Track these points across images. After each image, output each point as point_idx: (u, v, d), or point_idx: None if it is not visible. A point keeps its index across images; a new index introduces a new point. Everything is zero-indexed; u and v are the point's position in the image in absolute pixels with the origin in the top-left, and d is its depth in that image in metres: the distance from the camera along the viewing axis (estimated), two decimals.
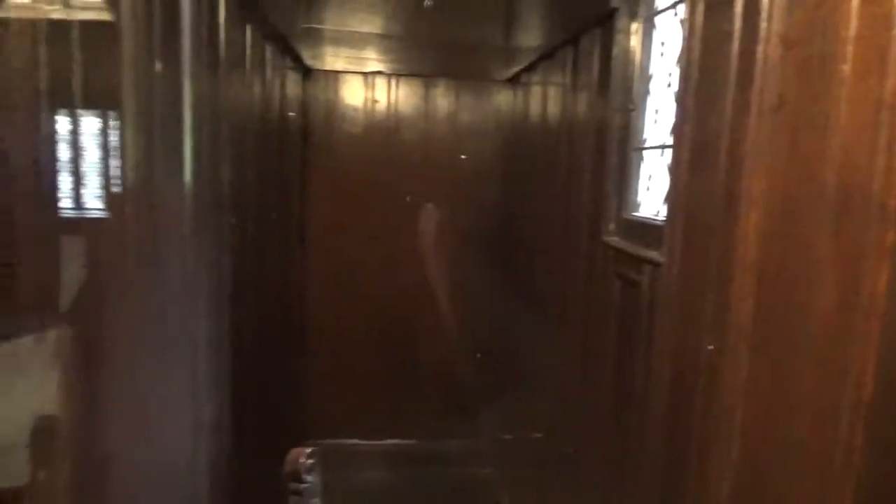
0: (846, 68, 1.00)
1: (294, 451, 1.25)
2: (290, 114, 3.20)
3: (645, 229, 1.92)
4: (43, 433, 1.46)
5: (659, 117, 1.94)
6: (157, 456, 1.43)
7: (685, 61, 1.53)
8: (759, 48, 1.21)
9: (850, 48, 0.99)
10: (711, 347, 1.40)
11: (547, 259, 2.88)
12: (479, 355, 3.80)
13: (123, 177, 1.52)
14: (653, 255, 1.74)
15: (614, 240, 2.09)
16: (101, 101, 1.49)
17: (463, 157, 3.74)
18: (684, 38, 1.53)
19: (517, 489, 2.19)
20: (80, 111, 1.41)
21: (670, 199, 1.64)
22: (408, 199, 3.69)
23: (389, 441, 3.83)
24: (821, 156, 1.04)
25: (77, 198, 1.51)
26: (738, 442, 1.31)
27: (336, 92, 3.66)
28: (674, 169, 1.59)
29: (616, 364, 2.03)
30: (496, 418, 3.14)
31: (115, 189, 1.53)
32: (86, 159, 1.47)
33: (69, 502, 1.27)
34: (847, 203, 0.97)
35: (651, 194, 2.00)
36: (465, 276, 3.77)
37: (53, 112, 1.35)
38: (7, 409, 2.53)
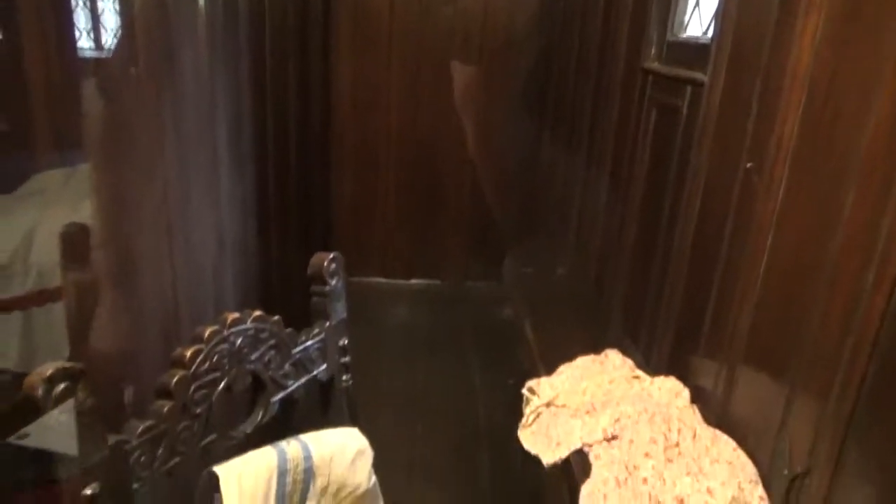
0: None
1: (318, 255, 1.25)
2: None
3: (689, 50, 1.79)
4: (75, 240, 1.49)
5: None
6: (185, 263, 1.46)
7: None
8: None
9: None
10: (750, 165, 1.34)
11: (581, 92, 2.76)
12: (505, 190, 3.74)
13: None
14: (696, 75, 1.62)
15: (654, 65, 1.96)
16: None
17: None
18: None
19: (540, 325, 2.23)
20: None
21: (720, 10, 1.50)
22: None
23: (414, 281, 3.92)
24: None
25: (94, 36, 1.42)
26: (766, 265, 1.28)
27: None
28: None
29: (646, 195, 1.98)
30: (521, 256, 3.16)
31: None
32: None
33: (104, 297, 1.32)
34: None
35: (699, 12, 1.84)
36: (497, 114, 3.63)
37: None
38: (45, 233, 2.59)
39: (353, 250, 3.77)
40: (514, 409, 1.57)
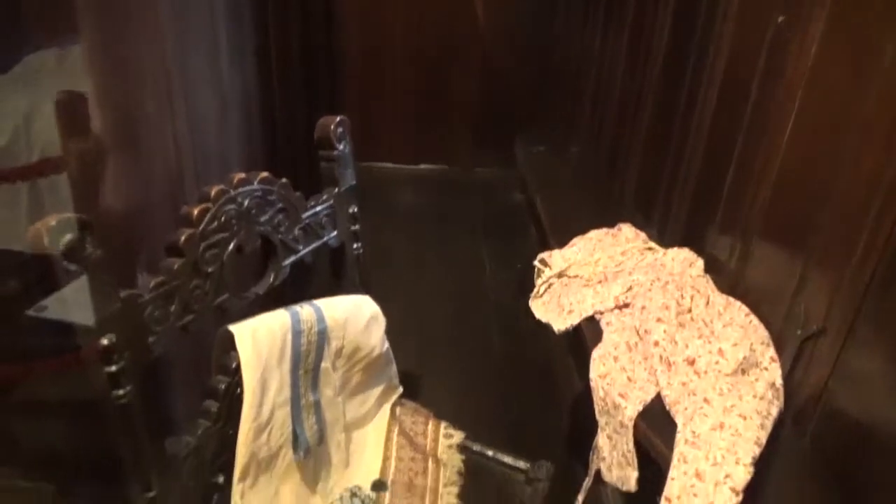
0: None
1: (325, 119, 1.20)
2: None
3: None
4: (71, 107, 1.44)
5: None
6: (188, 125, 1.41)
7: None
8: None
9: None
10: (782, 19, 1.25)
11: None
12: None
13: None
14: None
15: None
16: None
17: None
18: None
19: (552, 201, 2.20)
20: None
21: None
22: None
23: (422, 166, 3.86)
24: None
25: None
26: (792, 130, 1.22)
27: None
28: None
29: (666, 65, 1.88)
30: (533, 136, 3.08)
31: None
32: None
33: (106, 162, 1.28)
34: None
35: None
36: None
37: None
38: (44, 112, 2.52)
39: (359, 134, 3.67)
40: (523, 290, 1.57)
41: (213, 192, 0.94)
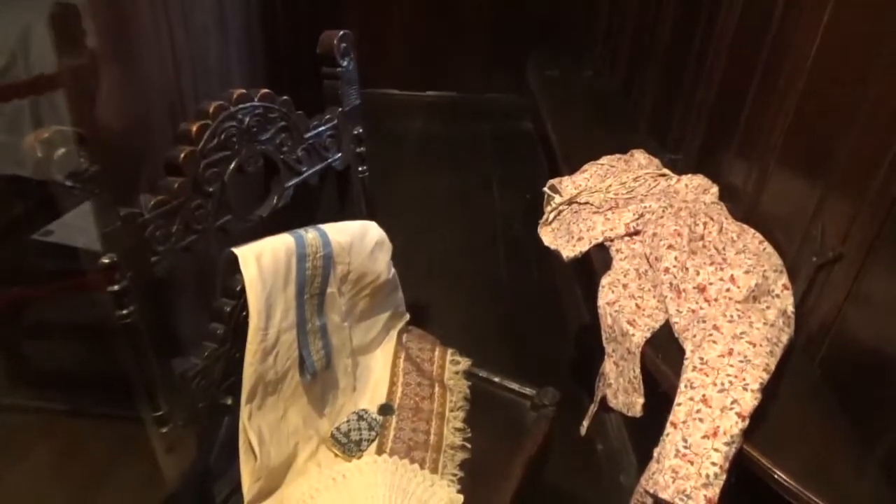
0: None
1: (327, 33, 1.15)
2: None
3: None
4: (65, 20, 1.39)
5: None
6: (185, 38, 1.36)
7: None
8: None
9: None
10: None
11: None
12: None
13: None
14: None
15: None
16: None
17: None
18: None
19: (563, 126, 2.13)
20: None
21: None
22: None
23: (430, 93, 3.76)
24: None
25: None
26: (814, 58, 1.16)
27: None
28: None
29: None
30: (545, 59, 2.97)
31: None
32: None
33: (101, 81, 1.24)
34: None
35: None
36: None
37: None
38: (41, 33, 2.44)
39: (365, 59, 3.56)
40: (531, 220, 1.54)
41: (211, 109, 0.90)
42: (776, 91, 1.27)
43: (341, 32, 1.14)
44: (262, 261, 0.94)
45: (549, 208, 1.48)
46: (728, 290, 1.07)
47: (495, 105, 3.71)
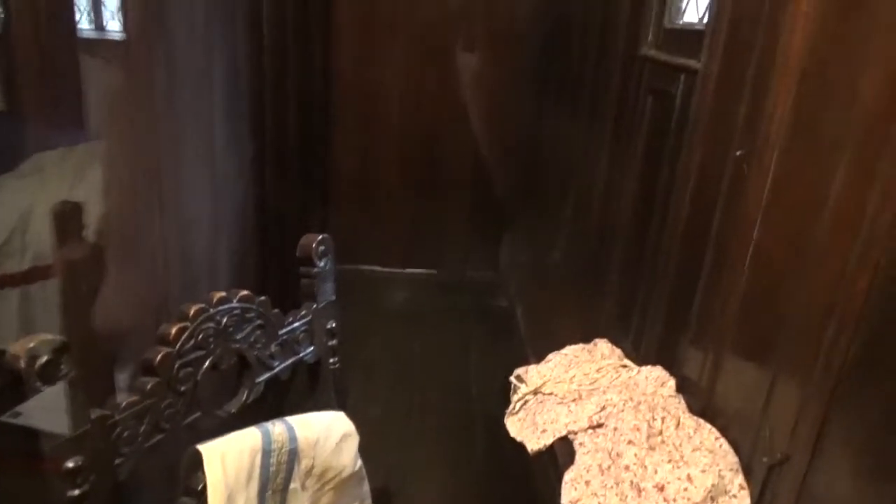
0: None
1: (307, 237, 1.26)
2: None
3: (685, 37, 1.79)
4: (67, 218, 1.50)
5: None
6: (177, 239, 1.46)
7: None
8: None
9: None
10: (740, 153, 1.34)
11: (582, 75, 2.76)
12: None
13: None
14: (690, 62, 1.62)
15: (651, 52, 1.95)
16: None
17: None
18: None
19: (532, 312, 2.24)
20: None
21: None
22: None
23: (411, 270, 3.92)
24: None
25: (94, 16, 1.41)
26: (753, 249, 1.28)
27: None
28: None
29: (641, 180, 1.98)
30: (518, 242, 3.15)
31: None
32: None
33: (97, 273, 1.32)
34: None
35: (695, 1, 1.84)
36: (500, 96, 3.60)
37: None
38: (41, 212, 2.60)
39: (350, 238, 3.77)
40: (507, 398, 1.58)
41: (191, 312, 0.97)
42: (720, 291, 1.37)
43: (320, 236, 1.25)
44: (227, 459, 0.96)
45: (515, 397, 1.53)
46: (686, 489, 1.09)
47: (475, 281, 3.86)
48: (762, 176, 1.25)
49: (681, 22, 1.90)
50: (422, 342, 3.27)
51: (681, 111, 1.68)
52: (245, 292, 1.07)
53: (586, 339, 1.77)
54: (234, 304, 1.04)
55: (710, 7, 1.53)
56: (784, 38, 1.21)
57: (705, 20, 1.69)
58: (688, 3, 1.89)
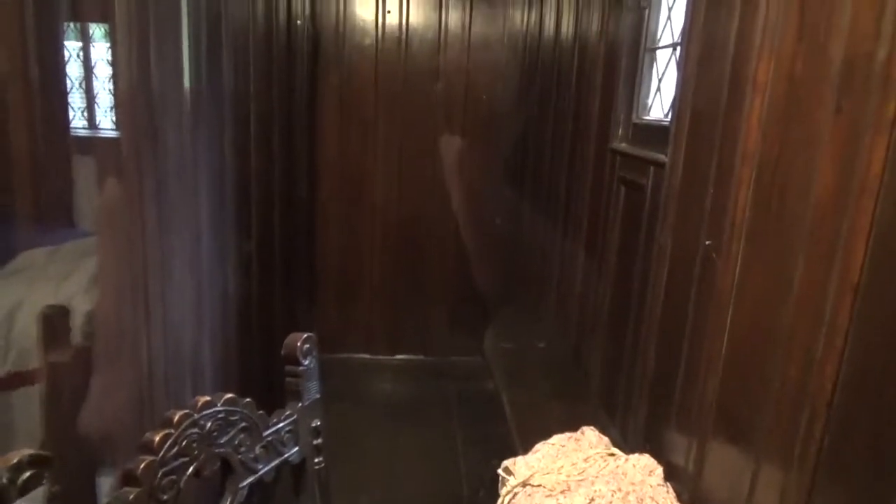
0: None
1: (292, 336, 1.27)
2: (298, 21, 3.13)
3: (652, 132, 1.89)
4: (53, 322, 1.51)
5: (672, 14, 1.87)
6: (163, 339, 1.47)
7: None
8: None
9: None
10: (709, 243, 1.39)
11: (557, 168, 2.87)
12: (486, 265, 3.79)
13: (118, 85, 1.49)
14: (658, 156, 1.71)
15: (622, 146, 2.06)
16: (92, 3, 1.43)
17: (484, 97, 3.64)
18: None
19: (518, 401, 2.24)
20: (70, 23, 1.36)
21: (678, 95, 1.60)
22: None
23: (398, 356, 3.92)
24: (829, 30, 0.99)
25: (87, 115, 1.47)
26: (728, 336, 1.32)
27: (346, 1, 3.56)
28: (683, 64, 1.54)
29: (617, 269, 2.03)
30: (501, 331, 3.18)
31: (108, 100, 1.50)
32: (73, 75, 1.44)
33: (82, 379, 1.32)
34: (851, 76, 0.94)
35: (660, 97, 1.95)
36: (480, 187, 3.72)
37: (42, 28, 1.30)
38: (27, 312, 2.60)
39: (337, 326, 3.79)
40: (497, 490, 1.56)
41: (175, 418, 0.97)
42: (699, 375, 1.40)
43: (305, 335, 1.27)
44: None
45: (504, 490, 1.51)
46: None
47: (460, 367, 3.85)
48: (730, 265, 1.30)
49: (647, 118, 2.01)
50: (409, 434, 3.23)
51: (652, 202, 1.75)
52: (230, 395, 1.07)
53: (573, 426, 1.77)
54: (219, 407, 1.04)
55: (673, 105, 1.63)
56: (741, 131, 1.29)
57: (670, 116, 1.80)
58: (653, 100, 2.01)
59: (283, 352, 1.27)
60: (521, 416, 2.03)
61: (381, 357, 3.86)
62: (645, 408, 1.70)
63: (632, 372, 1.82)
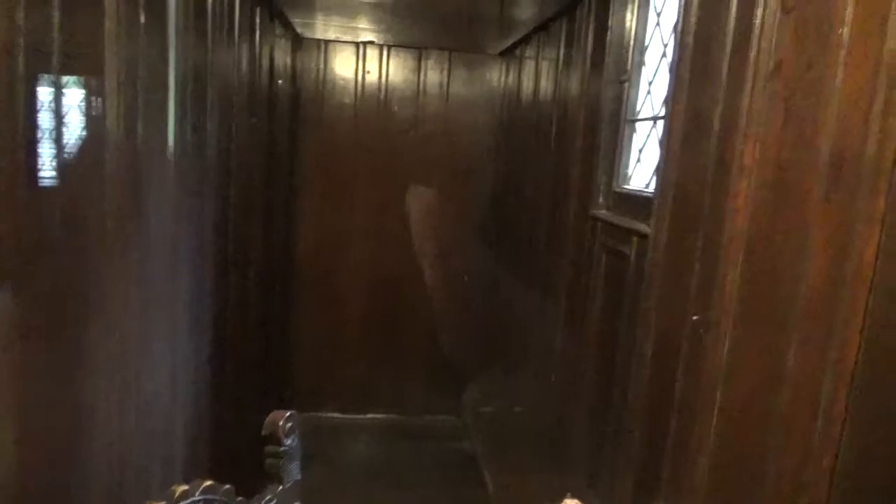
0: (845, 31, 0.98)
1: (273, 414, 1.23)
2: (280, 81, 3.14)
3: (634, 202, 1.91)
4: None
5: (652, 89, 1.92)
6: (135, 413, 1.41)
7: (681, 29, 1.50)
8: (758, 12, 1.19)
9: (849, 11, 0.97)
10: (696, 318, 1.39)
11: (536, 234, 2.87)
12: (461, 326, 3.77)
13: (105, 139, 1.46)
14: (641, 226, 1.72)
15: (603, 213, 2.07)
16: (82, 62, 1.42)
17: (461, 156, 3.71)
18: (680, 6, 1.50)
19: (498, 471, 2.19)
20: (60, 76, 1.34)
21: (661, 169, 1.62)
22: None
23: (372, 415, 3.83)
24: (815, 121, 1.02)
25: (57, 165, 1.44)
26: (718, 416, 1.30)
27: (327, 61, 3.60)
28: (666, 139, 1.57)
29: (600, 338, 2.02)
30: (479, 393, 3.13)
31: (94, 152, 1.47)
32: (67, 125, 1.41)
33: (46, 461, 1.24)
34: (840, 169, 0.96)
35: (641, 167, 1.98)
36: (455, 251, 3.73)
37: (32, 78, 1.28)
38: None
39: (312, 386, 3.71)
40: None
41: None
42: (690, 448, 1.37)
43: (287, 413, 1.22)
44: None
45: None
46: None
47: (437, 427, 3.78)
48: (720, 342, 1.29)
49: (628, 187, 2.04)
50: (386, 489, 3.13)
51: (636, 271, 1.76)
52: (208, 483, 1.02)
53: (555, 497, 1.72)
54: (197, 496, 0.99)
55: (656, 179, 1.65)
56: (728, 212, 1.30)
57: (650, 187, 1.82)
58: (634, 170, 2.04)
59: (263, 431, 1.21)
60: (501, 483, 1.98)
61: (356, 416, 3.77)
62: (631, 483, 1.66)
63: (617, 443, 1.79)
